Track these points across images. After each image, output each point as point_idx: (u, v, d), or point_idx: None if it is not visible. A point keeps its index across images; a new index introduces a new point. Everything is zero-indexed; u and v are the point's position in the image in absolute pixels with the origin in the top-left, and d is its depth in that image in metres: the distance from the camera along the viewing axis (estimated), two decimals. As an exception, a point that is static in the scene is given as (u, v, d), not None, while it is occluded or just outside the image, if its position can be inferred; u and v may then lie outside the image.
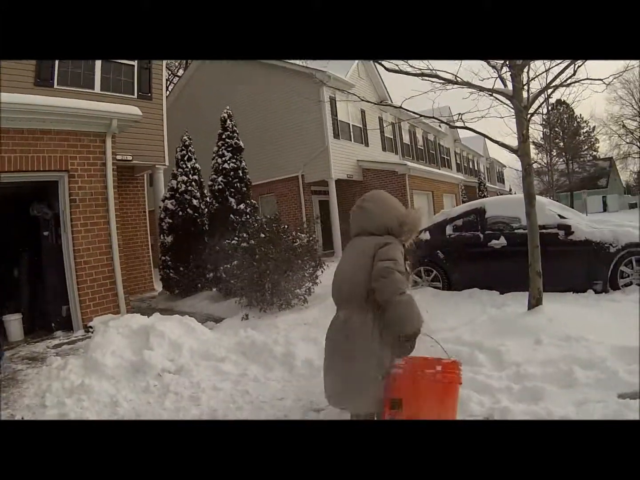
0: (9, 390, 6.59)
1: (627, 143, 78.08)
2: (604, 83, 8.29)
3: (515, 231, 10.32)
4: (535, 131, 50.70)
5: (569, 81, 8.09)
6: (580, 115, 72.07)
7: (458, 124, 9.76)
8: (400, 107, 9.67)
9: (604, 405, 4.70)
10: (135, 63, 14.41)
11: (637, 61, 9.31)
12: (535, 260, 8.06)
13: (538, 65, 8.66)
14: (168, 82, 41.23)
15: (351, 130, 24.98)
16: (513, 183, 63.34)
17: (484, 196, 37.91)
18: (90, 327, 9.15)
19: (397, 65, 8.32)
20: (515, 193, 36.39)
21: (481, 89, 8.31)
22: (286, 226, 11.31)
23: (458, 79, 8.16)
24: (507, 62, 7.94)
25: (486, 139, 9.76)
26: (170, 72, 44.07)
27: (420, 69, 8.15)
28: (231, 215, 12.41)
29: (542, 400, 5.00)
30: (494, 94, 8.35)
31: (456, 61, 8.20)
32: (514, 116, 8.28)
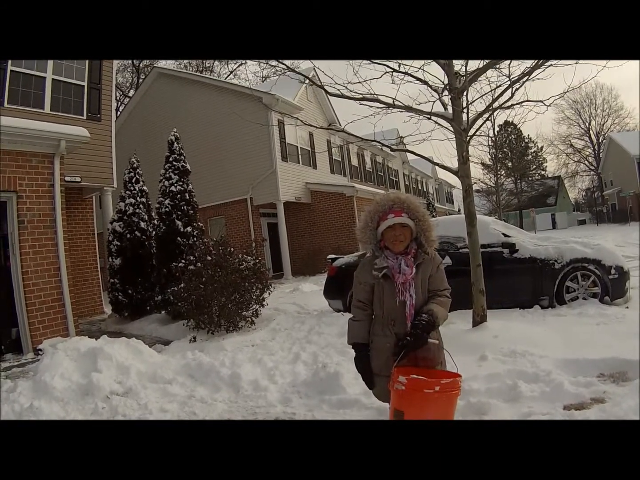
0: (-44, 413, 6.58)
1: (575, 162, 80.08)
2: (544, 105, 8.51)
3: (460, 250, 10.25)
4: (483, 152, 51.53)
5: (508, 103, 8.32)
6: (528, 135, 73.45)
7: (400, 147, 9.99)
8: (343, 131, 9.87)
9: (549, 417, 4.74)
10: (85, 83, 14.35)
11: (579, 82, 9.40)
12: (477, 279, 8.24)
13: (477, 89, 8.92)
14: (119, 103, 40.95)
15: (299, 153, 25.17)
16: (462, 203, 63.64)
17: (433, 216, 38.40)
18: (40, 349, 9.08)
19: (339, 90, 8.42)
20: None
21: (421, 112, 8.46)
22: (232, 249, 11.32)
23: (397, 102, 8.30)
24: (448, 86, 8.14)
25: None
26: (121, 93, 43.72)
27: (361, 94, 8.32)
28: (178, 238, 12.33)
29: (487, 415, 5.07)
30: (434, 117, 8.51)
31: (395, 86, 8.39)
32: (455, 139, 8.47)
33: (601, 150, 74.24)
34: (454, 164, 8.83)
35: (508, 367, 6.31)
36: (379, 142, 9.36)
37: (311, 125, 10.07)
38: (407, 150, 10.17)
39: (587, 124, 78.44)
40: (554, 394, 5.36)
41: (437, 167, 9.89)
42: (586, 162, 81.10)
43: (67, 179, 11.88)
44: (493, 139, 37.96)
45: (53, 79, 13.50)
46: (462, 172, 8.51)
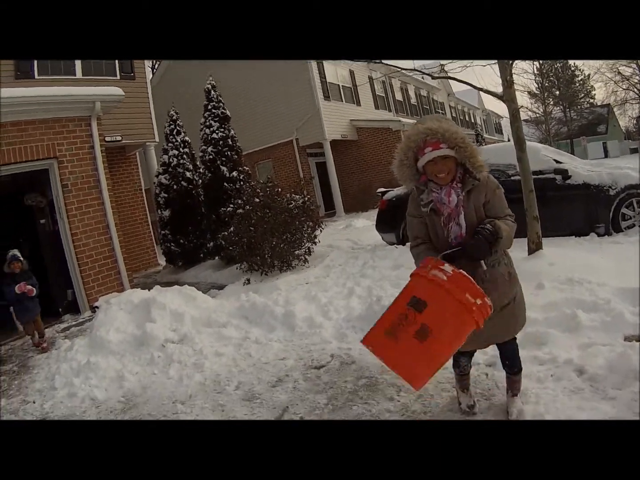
0: (20, 377, 6.72)
1: (624, 89, 76.83)
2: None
3: (512, 178, 9.77)
4: (529, 80, 50.19)
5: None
6: (574, 63, 71.31)
7: (441, 74, 9.69)
8: (381, 62, 9.61)
9: (610, 349, 4.59)
10: (115, 44, 14.33)
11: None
12: (530, 205, 7.98)
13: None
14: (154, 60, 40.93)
15: (341, 91, 24.96)
16: (511, 132, 62.45)
17: (480, 145, 37.86)
18: (96, 307, 9.19)
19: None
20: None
21: None
22: (279, 189, 11.25)
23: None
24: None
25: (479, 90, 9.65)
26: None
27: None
28: (225, 184, 12.38)
29: (546, 345, 4.93)
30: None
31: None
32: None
33: (650, 77, 71.46)
34: (498, 91, 8.52)
35: (566, 296, 6.06)
36: (419, 70, 9.13)
37: (350, 59, 9.82)
38: (449, 77, 9.82)
39: (634, 49, 75.27)
40: (615, 324, 5.15)
41: (483, 97, 9.55)
42: (635, 90, 78.22)
43: (107, 139, 12.02)
44: (538, 66, 37.10)
45: (81, 45, 13.42)
46: (507, 96, 8.19)
